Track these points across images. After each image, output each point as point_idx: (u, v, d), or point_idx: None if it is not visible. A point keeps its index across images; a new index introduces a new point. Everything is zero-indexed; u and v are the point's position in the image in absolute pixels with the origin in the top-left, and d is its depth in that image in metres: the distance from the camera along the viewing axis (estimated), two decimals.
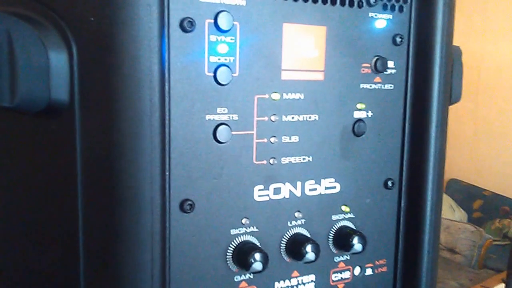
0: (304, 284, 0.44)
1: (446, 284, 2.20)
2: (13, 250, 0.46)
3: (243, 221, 0.41)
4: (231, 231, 0.40)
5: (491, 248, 2.51)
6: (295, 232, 0.43)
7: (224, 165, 0.39)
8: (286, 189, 0.42)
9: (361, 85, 0.44)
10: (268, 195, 0.41)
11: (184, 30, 0.35)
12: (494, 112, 3.06)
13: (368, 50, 0.44)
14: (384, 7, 0.44)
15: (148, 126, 0.34)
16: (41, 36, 0.35)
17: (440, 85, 0.45)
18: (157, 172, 0.35)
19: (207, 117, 0.38)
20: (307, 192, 0.43)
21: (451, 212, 3.06)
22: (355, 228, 0.45)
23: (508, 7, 2.93)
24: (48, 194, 0.41)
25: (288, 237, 0.43)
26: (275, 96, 0.40)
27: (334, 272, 0.46)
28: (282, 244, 0.43)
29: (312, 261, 0.42)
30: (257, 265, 0.39)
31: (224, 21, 0.37)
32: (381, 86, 0.45)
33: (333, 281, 0.46)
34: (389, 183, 0.47)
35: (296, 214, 0.43)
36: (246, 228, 0.41)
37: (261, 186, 0.41)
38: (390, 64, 0.45)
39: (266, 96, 0.40)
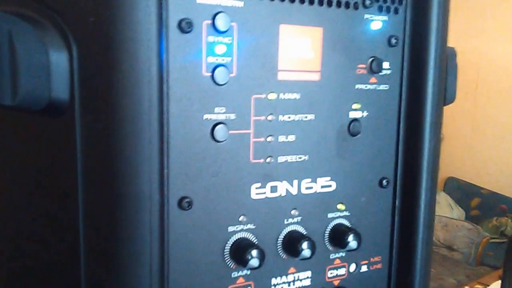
0: (300, 280, 0.45)
1: (444, 281, 2.21)
2: (13, 248, 0.46)
3: (241, 218, 0.41)
4: (229, 228, 0.41)
5: (488, 245, 2.52)
6: (291, 229, 0.43)
7: (221, 164, 0.39)
8: (282, 187, 0.43)
9: (357, 86, 0.45)
10: (265, 193, 0.42)
11: (182, 31, 0.36)
12: (493, 111, 3.07)
13: (364, 51, 0.44)
14: (380, 9, 0.44)
15: (147, 125, 0.35)
16: (41, 36, 0.35)
17: (435, 85, 0.46)
18: (156, 170, 0.36)
19: (205, 116, 0.38)
20: (304, 190, 0.44)
21: (450, 210, 3.07)
22: (350, 226, 0.46)
23: (507, 8, 2.94)
24: (49, 192, 0.41)
25: (285, 234, 0.43)
26: (272, 96, 0.41)
27: (330, 269, 0.46)
28: (278, 241, 0.43)
29: (308, 258, 0.43)
30: (254, 262, 0.40)
31: (221, 22, 0.37)
32: (376, 87, 0.45)
33: (328, 277, 0.47)
34: (384, 182, 0.47)
35: (293, 212, 0.44)
36: (243, 225, 0.41)
37: (258, 184, 0.41)
38: (385, 65, 0.45)
39: (263, 96, 0.40)
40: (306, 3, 0.41)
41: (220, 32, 0.37)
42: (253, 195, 0.41)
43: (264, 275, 0.43)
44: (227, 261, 0.41)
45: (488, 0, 3.02)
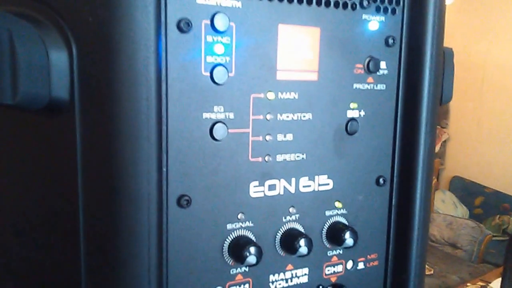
0: (298, 277, 0.45)
1: (447, 278, 2.21)
2: (14, 247, 0.47)
3: (239, 216, 0.41)
4: (227, 225, 0.41)
5: (490, 243, 2.52)
6: (289, 227, 0.44)
7: (220, 162, 0.40)
8: (280, 186, 0.43)
9: (354, 85, 0.45)
10: (263, 191, 0.42)
11: (181, 30, 0.36)
12: (497, 112, 3.06)
13: (361, 51, 0.44)
14: (377, 9, 0.44)
15: (145, 124, 0.35)
16: (41, 35, 0.36)
17: (431, 85, 0.46)
18: (154, 168, 0.36)
19: (204, 115, 0.38)
20: (301, 189, 0.44)
21: (454, 208, 3.07)
22: (347, 224, 0.46)
23: None
24: (49, 190, 0.42)
25: (283, 231, 0.44)
26: (270, 95, 0.41)
27: (327, 266, 0.47)
28: (276, 239, 0.44)
29: (305, 255, 0.43)
30: (252, 259, 0.40)
31: (220, 22, 0.37)
32: (373, 86, 0.46)
33: (326, 274, 0.47)
34: (381, 180, 0.48)
35: (291, 210, 0.44)
36: (242, 223, 0.42)
37: (256, 183, 0.42)
38: (383, 65, 0.46)
39: (262, 95, 0.41)
40: (304, 3, 0.41)
41: (218, 32, 0.38)
42: (252, 193, 0.42)
43: (262, 272, 0.43)
44: (225, 258, 0.41)
45: (494, 2, 3.01)
